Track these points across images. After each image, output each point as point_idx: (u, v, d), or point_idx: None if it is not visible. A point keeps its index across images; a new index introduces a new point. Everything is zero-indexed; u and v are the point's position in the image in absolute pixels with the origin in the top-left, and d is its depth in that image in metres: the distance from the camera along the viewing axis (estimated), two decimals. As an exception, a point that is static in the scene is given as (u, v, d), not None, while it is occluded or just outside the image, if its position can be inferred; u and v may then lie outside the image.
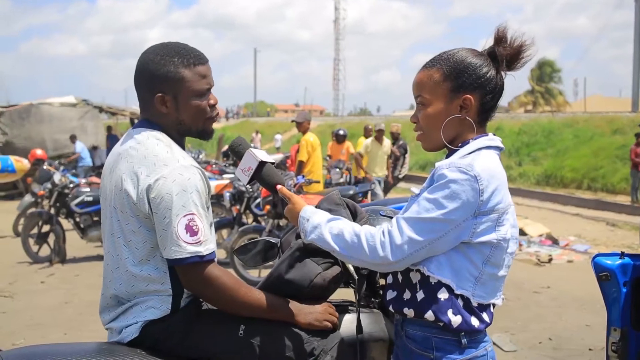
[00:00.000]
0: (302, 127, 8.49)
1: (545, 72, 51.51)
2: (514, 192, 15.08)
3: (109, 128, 20.02)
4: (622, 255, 2.57)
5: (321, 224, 1.82)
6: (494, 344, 4.91)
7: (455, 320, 1.73)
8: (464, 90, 1.79)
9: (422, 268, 1.74)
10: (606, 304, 2.59)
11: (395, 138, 11.79)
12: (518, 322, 5.61)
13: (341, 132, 12.91)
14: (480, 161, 1.71)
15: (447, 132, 1.82)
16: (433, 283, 1.74)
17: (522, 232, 9.90)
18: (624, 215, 13.28)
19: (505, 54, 1.80)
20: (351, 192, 8.01)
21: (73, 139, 16.44)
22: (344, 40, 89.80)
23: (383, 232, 1.73)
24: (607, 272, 2.53)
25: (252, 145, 2.12)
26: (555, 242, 9.54)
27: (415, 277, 1.78)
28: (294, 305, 1.99)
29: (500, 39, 1.81)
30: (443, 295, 1.73)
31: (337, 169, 11.27)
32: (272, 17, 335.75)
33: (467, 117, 1.80)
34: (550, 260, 8.33)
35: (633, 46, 30.15)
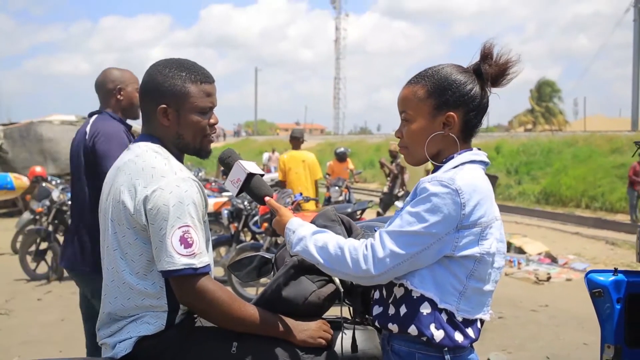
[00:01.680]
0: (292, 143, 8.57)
1: (545, 92, 51.75)
2: (513, 210, 15.06)
3: None
4: (615, 271, 2.57)
5: (306, 236, 1.83)
6: (491, 362, 4.90)
7: (438, 334, 1.72)
8: (447, 108, 1.80)
9: (405, 282, 1.75)
10: (600, 320, 2.59)
11: (393, 156, 11.82)
12: (516, 340, 5.58)
13: (342, 150, 13.02)
14: (463, 175, 1.72)
15: (430, 148, 1.83)
16: (415, 297, 1.74)
17: (520, 251, 9.89)
18: (624, 234, 13.25)
19: (490, 72, 1.81)
20: (349, 210, 8.01)
21: None
22: (344, 60, 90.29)
23: (366, 246, 1.74)
24: (600, 289, 2.53)
25: (248, 160, 2.13)
26: (554, 260, 9.51)
27: (399, 292, 1.78)
28: (288, 321, 1.99)
29: (486, 55, 1.82)
30: (426, 309, 1.73)
31: (337, 187, 11.29)
32: (275, 37, 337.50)
33: (450, 134, 1.81)
34: (548, 278, 8.31)
35: (632, 65, 30.33)
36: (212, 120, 2.07)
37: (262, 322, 1.94)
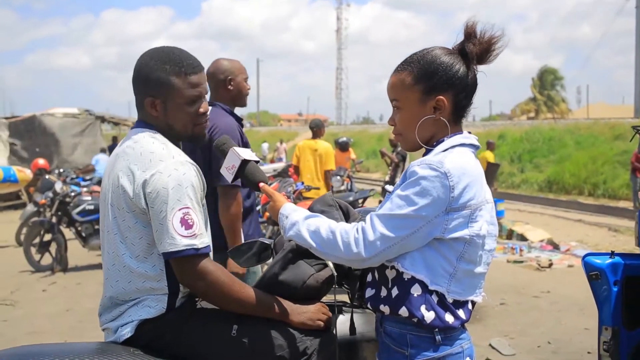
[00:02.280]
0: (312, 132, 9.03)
1: (547, 80, 51.55)
2: (516, 198, 15.00)
3: (114, 139, 20.08)
4: (612, 254, 2.59)
5: (299, 220, 1.85)
6: (493, 347, 4.93)
7: (429, 316, 1.74)
8: (436, 92, 1.80)
9: (396, 264, 1.76)
10: (597, 303, 2.62)
11: (394, 145, 11.83)
12: (517, 326, 5.61)
13: (344, 140, 13.05)
14: (452, 158, 1.73)
15: (422, 132, 1.83)
16: (406, 279, 1.76)
17: (523, 238, 9.91)
18: (626, 221, 13.23)
19: (475, 50, 1.80)
20: (350, 198, 8.04)
21: (102, 151, 16.62)
22: (346, 50, 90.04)
23: (357, 229, 1.75)
24: (597, 272, 2.56)
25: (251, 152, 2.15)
26: (556, 247, 9.53)
27: (390, 274, 1.80)
28: (287, 304, 2.01)
29: (469, 34, 1.81)
30: (416, 291, 1.75)
31: (338, 177, 11.31)
32: (277, 28, 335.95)
33: (441, 118, 1.82)
34: (550, 265, 8.32)
35: (635, 53, 30.18)
36: (201, 109, 2.08)
37: (261, 304, 1.97)
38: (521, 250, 9.13)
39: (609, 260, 2.56)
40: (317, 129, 8.94)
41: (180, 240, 1.88)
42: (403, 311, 1.76)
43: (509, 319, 5.75)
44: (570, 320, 5.83)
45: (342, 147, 12.97)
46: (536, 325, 5.69)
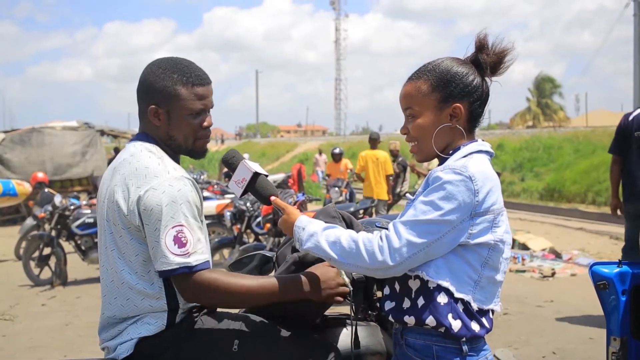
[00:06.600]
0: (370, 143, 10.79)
1: (545, 88, 51.61)
2: (517, 206, 14.91)
3: (116, 150, 20.04)
4: (620, 263, 2.56)
5: (317, 232, 1.81)
6: (498, 358, 4.88)
7: (456, 324, 1.72)
8: (452, 100, 1.82)
9: (421, 273, 1.74)
10: (605, 313, 2.58)
11: (394, 155, 11.83)
12: (521, 336, 5.56)
13: (337, 151, 13.11)
14: (473, 163, 1.74)
15: (438, 141, 1.84)
16: (432, 288, 1.74)
17: (524, 247, 9.85)
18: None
19: (488, 61, 1.84)
20: (352, 209, 8.02)
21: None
22: (345, 61, 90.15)
23: (381, 237, 1.73)
24: (605, 281, 2.52)
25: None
26: (558, 256, 9.48)
27: (414, 285, 1.78)
28: (300, 279, 1.94)
29: (481, 46, 1.85)
30: (442, 299, 1.73)
31: (336, 188, 11.32)
32: (278, 39, 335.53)
33: (457, 125, 1.83)
34: (553, 274, 8.27)
35: (633, 60, 30.21)
36: (205, 123, 2.04)
37: (275, 288, 1.92)
38: (523, 259, 9.08)
39: (617, 270, 2.53)
40: (378, 140, 10.77)
41: (173, 259, 1.85)
42: (430, 320, 1.73)
43: (513, 329, 5.70)
44: (574, 330, 5.78)
45: (336, 158, 13.01)
46: (540, 335, 5.64)
